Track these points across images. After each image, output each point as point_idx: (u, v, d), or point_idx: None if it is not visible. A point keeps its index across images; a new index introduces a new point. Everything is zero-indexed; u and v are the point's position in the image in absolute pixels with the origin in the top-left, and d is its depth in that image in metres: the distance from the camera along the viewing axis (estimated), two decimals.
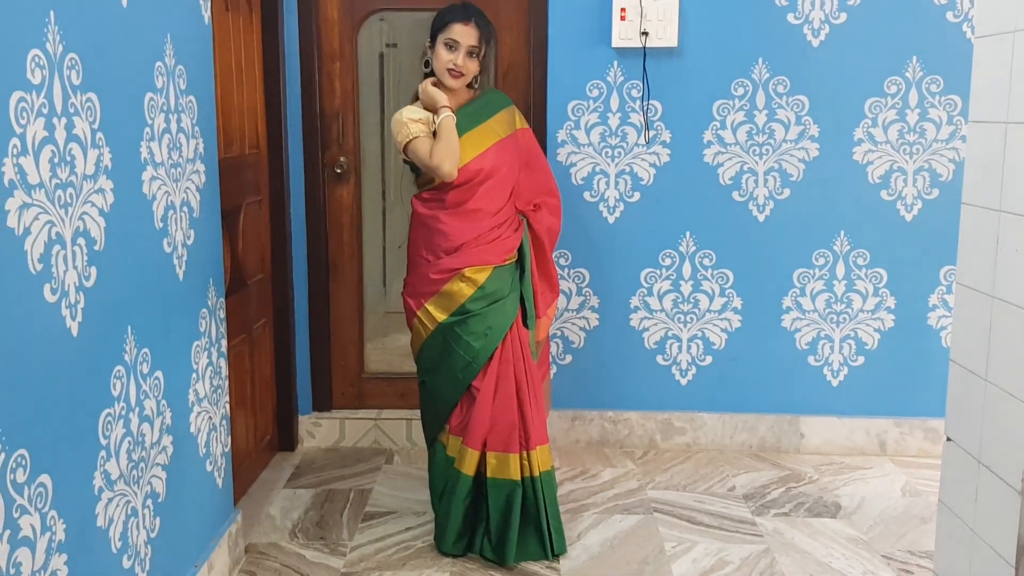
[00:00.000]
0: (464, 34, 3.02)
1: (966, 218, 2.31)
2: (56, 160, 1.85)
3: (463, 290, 3.03)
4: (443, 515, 3.12)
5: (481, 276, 3.03)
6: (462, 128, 3.04)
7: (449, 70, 3.04)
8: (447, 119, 2.98)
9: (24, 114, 1.73)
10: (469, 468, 3.05)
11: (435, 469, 3.20)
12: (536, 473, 3.06)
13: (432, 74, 3.11)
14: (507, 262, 3.08)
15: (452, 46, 3.02)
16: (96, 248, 2.03)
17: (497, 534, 3.06)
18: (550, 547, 3.09)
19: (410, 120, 3.04)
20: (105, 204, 2.08)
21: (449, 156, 2.96)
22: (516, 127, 3.19)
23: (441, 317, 3.06)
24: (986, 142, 2.21)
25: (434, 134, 3.01)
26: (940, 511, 2.42)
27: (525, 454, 3.06)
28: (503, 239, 3.07)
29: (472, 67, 3.06)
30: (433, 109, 3.04)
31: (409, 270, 3.18)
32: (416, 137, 3.02)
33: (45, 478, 1.82)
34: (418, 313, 3.11)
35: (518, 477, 3.05)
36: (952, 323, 2.42)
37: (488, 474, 3.06)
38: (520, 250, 3.14)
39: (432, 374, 3.13)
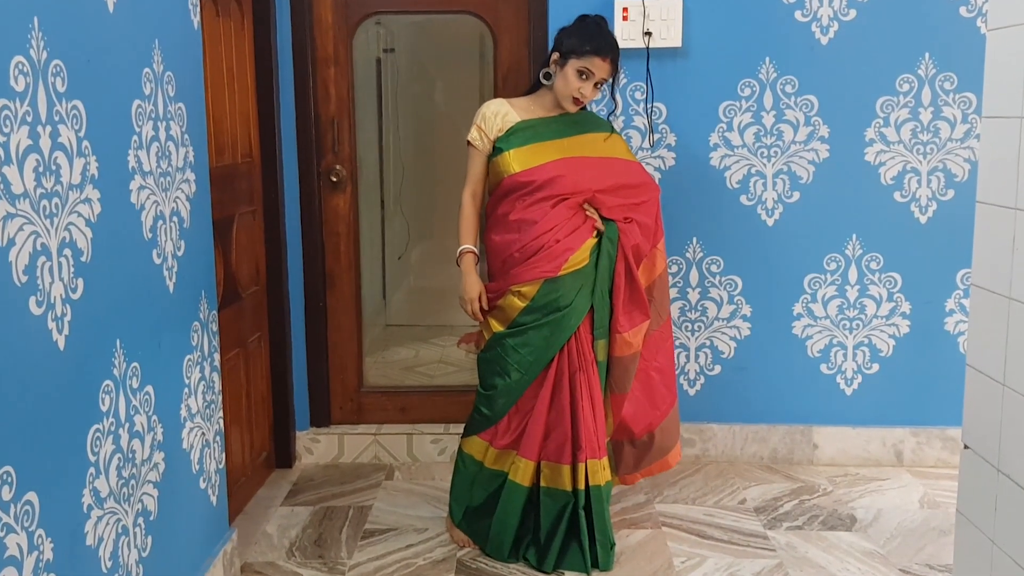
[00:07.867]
0: (601, 68, 3.02)
1: (981, 217, 2.26)
2: (41, 169, 1.82)
3: (515, 303, 3.05)
4: (499, 525, 3.11)
5: (530, 290, 3.02)
6: (538, 136, 3.07)
7: (575, 98, 3.05)
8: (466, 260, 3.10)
9: (7, 122, 1.72)
10: (524, 479, 3.07)
11: (465, 478, 3.18)
12: (583, 486, 3.04)
13: (541, 80, 3.12)
14: (564, 272, 3.01)
15: (585, 75, 3.01)
16: (83, 259, 2.00)
17: (544, 540, 3.07)
18: (591, 561, 3.06)
19: (480, 123, 3.11)
20: (92, 214, 2.04)
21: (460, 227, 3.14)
22: (605, 155, 3.14)
23: (498, 329, 3.09)
24: (1000, 138, 2.15)
25: (493, 150, 3.09)
26: (958, 522, 2.36)
27: (577, 466, 3.05)
28: (549, 248, 3.01)
29: (593, 97, 3.09)
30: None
31: None
32: (471, 145, 3.12)
33: (32, 496, 1.79)
34: (482, 324, 3.17)
35: (570, 488, 3.05)
36: (968, 326, 2.37)
37: (542, 483, 3.07)
38: (597, 256, 3.06)
39: (487, 384, 3.12)
